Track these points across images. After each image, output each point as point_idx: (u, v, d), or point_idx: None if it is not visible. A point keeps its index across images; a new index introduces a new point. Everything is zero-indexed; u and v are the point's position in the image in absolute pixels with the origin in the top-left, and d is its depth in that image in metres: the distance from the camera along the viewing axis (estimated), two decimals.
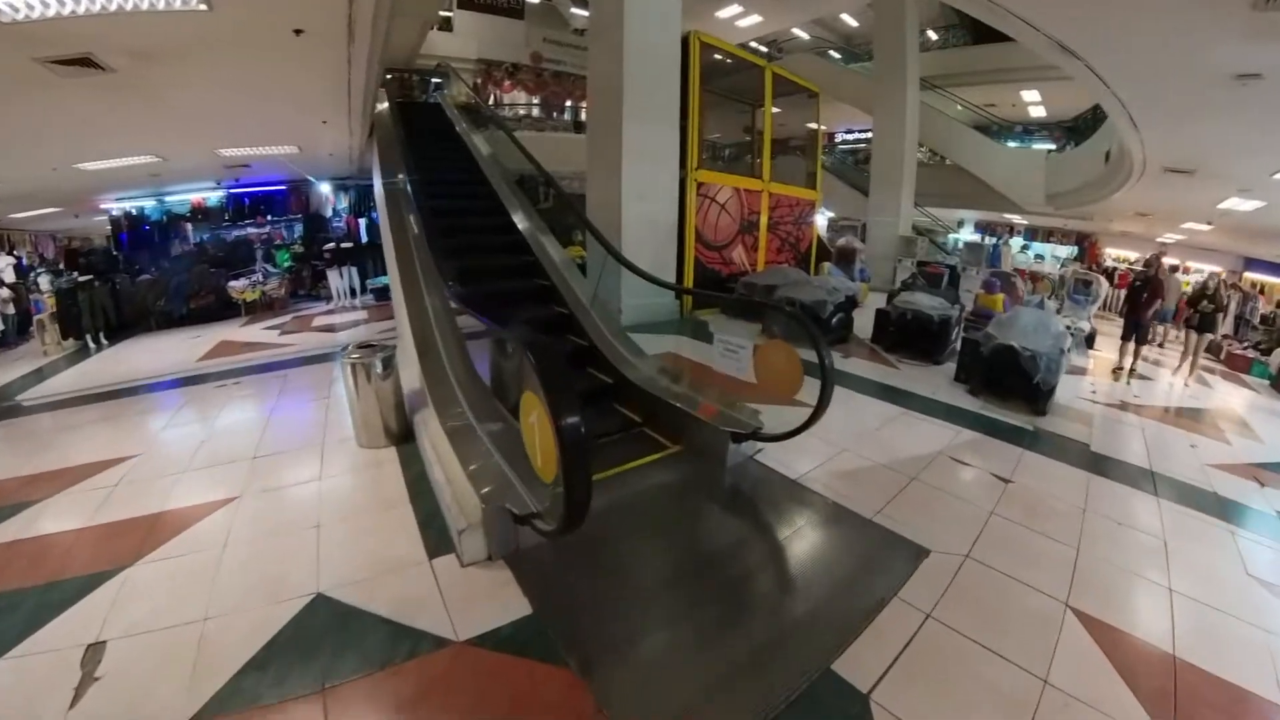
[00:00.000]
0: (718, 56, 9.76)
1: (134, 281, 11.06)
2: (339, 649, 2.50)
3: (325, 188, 14.63)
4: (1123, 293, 10.70)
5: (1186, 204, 12.02)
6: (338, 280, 12.24)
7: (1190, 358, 8.35)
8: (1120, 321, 8.71)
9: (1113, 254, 19.57)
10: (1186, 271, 16.08)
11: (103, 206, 12.82)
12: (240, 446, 4.67)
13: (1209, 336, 8.78)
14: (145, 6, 4.31)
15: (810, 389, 3.67)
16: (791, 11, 15.69)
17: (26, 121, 6.40)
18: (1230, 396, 8.07)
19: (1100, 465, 4.74)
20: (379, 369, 4.38)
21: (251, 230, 14.18)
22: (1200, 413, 6.92)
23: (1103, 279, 12.13)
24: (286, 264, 13.67)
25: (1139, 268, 13.93)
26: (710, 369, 4.64)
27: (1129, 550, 3.51)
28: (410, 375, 4.57)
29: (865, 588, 2.97)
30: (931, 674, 2.43)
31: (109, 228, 13.37)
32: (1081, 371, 7.99)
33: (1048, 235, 20.97)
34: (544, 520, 2.76)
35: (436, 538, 3.25)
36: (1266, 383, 9.07)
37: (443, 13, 15.12)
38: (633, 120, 7.71)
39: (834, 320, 8.04)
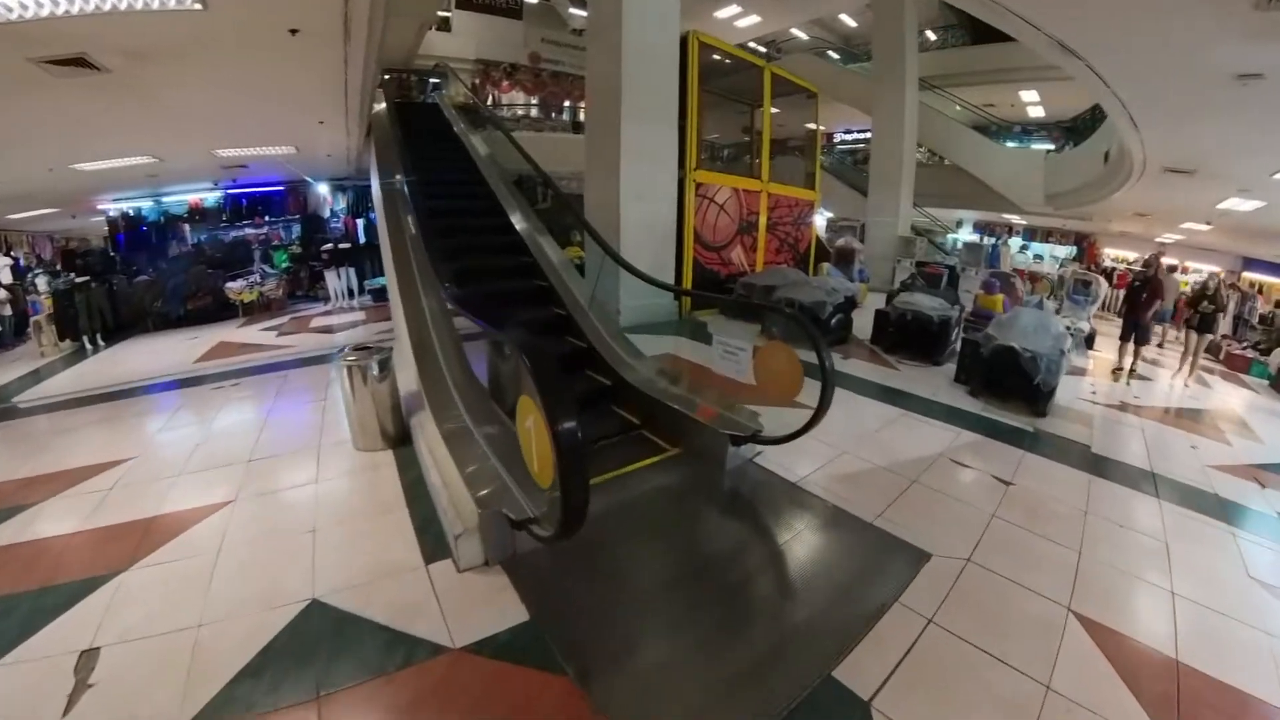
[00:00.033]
0: (716, 57, 9.73)
1: (131, 282, 11.00)
2: (334, 656, 2.47)
3: (323, 188, 14.58)
4: (1121, 293, 10.68)
5: (1186, 204, 12.00)
6: (335, 281, 12.20)
7: (1190, 358, 8.34)
8: (1119, 322, 8.70)
9: (1111, 254, 19.57)
10: (1185, 271, 16.08)
11: (100, 207, 12.75)
12: (236, 449, 4.64)
13: (1209, 337, 8.77)
14: (140, 6, 4.27)
15: (810, 391, 3.65)
16: (790, 12, 15.67)
17: (22, 122, 6.35)
18: (1230, 397, 8.06)
19: (1101, 467, 4.73)
20: (375, 371, 4.35)
21: (249, 231, 14.11)
22: (1200, 413, 6.91)
23: (1102, 279, 12.13)
24: (284, 265, 13.60)
25: (1138, 268, 13.93)
26: (709, 371, 4.61)
27: (1131, 553, 3.49)
28: (407, 377, 4.54)
29: (866, 593, 2.95)
30: (933, 681, 2.41)
31: (106, 228, 13.31)
32: (1081, 372, 7.98)
33: (1046, 235, 20.96)
34: (541, 526, 2.74)
35: (433, 542, 3.22)
36: (1266, 383, 9.06)
37: (441, 13, 15.08)
38: (631, 120, 7.69)
39: (833, 321, 8.02)
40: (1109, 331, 10.01)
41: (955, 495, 4.03)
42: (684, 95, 8.60)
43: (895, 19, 13.83)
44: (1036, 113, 18.69)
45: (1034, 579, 3.09)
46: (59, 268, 12.29)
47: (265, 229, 14.32)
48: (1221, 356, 10.28)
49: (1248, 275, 15.76)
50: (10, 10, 4.04)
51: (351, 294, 12.42)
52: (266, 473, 4.24)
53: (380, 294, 11.84)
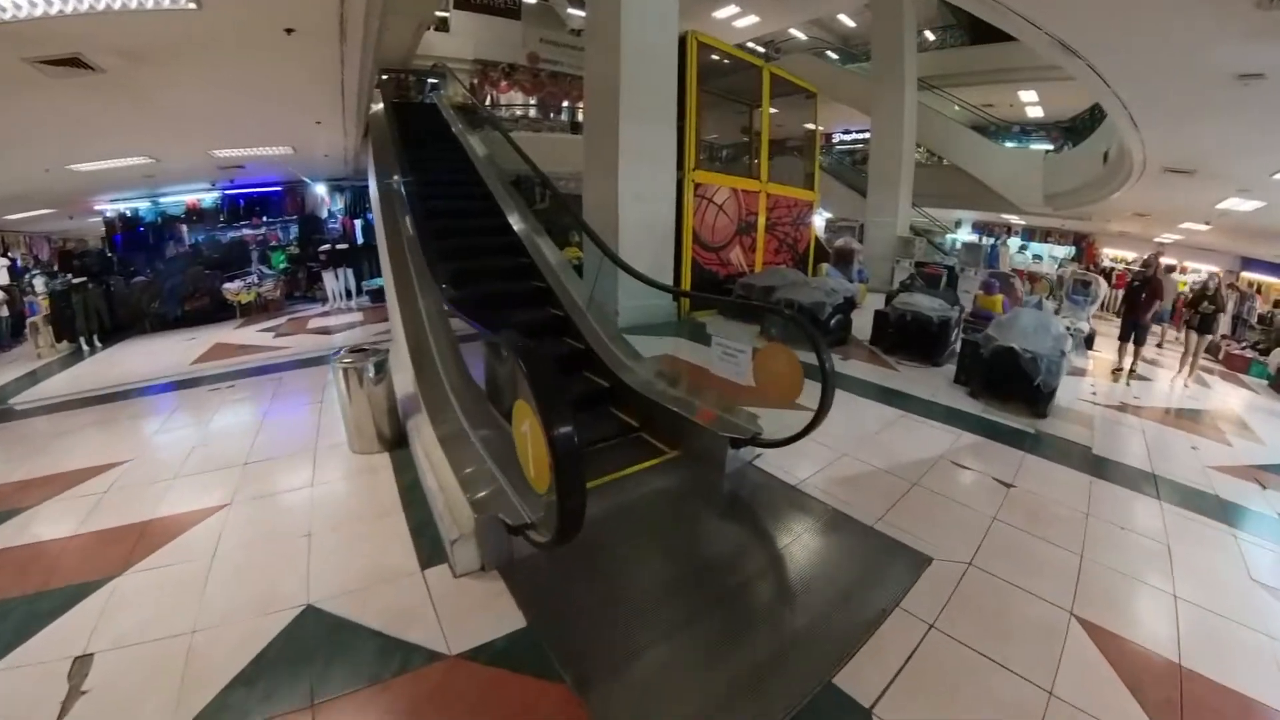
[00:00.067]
0: (715, 57, 9.71)
1: (128, 283, 10.97)
2: (329, 663, 2.44)
3: (321, 189, 14.56)
4: (1120, 293, 10.67)
5: (1185, 204, 11.99)
6: (333, 282, 12.18)
7: (1190, 359, 8.32)
8: (1118, 322, 8.69)
9: (1110, 254, 19.57)
10: (1184, 271, 16.09)
11: (97, 208, 12.71)
12: (232, 452, 4.62)
13: (1209, 338, 8.75)
14: (134, 5, 4.24)
15: (809, 392, 3.63)
16: (789, 12, 15.66)
17: (18, 122, 6.32)
18: (1229, 397, 8.05)
19: (1102, 468, 4.71)
20: (371, 373, 4.32)
21: (247, 231, 14.08)
22: (1200, 414, 6.90)
23: (1101, 279, 12.12)
24: (282, 265, 13.59)
25: (1136, 268, 13.93)
26: (708, 372, 4.59)
27: (1132, 556, 3.47)
28: (403, 379, 4.52)
29: (867, 598, 2.93)
30: (935, 687, 2.39)
31: (104, 229, 13.27)
32: (1081, 373, 7.96)
33: (1045, 235, 20.96)
34: (538, 531, 2.71)
35: (429, 547, 3.20)
36: (1265, 383, 9.05)
37: (439, 13, 15.05)
38: (630, 120, 7.67)
39: (832, 322, 8.00)
40: (1108, 332, 10.00)
41: (956, 498, 4.00)
42: (682, 95, 8.56)
43: (894, 19, 13.82)
44: (1035, 113, 18.69)
45: (1036, 583, 3.07)
46: (56, 268, 12.25)
47: (263, 230, 14.29)
48: (1221, 356, 10.27)
49: (1246, 275, 15.77)
50: (4, 10, 4.01)
51: (349, 295, 12.40)
52: (262, 476, 4.22)
53: (378, 295, 11.80)
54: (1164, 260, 11.25)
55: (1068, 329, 7.16)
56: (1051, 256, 20.27)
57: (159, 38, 4.93)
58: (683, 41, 8.56)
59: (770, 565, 3.29)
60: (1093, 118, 14.36)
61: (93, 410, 6.09)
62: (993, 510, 3.83)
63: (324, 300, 12.45)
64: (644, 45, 7.66)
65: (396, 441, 4.46)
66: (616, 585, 3.05)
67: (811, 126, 13.05)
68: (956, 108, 18.50)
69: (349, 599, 2.82)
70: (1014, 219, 20.21)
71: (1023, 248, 20.63)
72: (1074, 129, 16.60)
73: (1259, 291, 14.61)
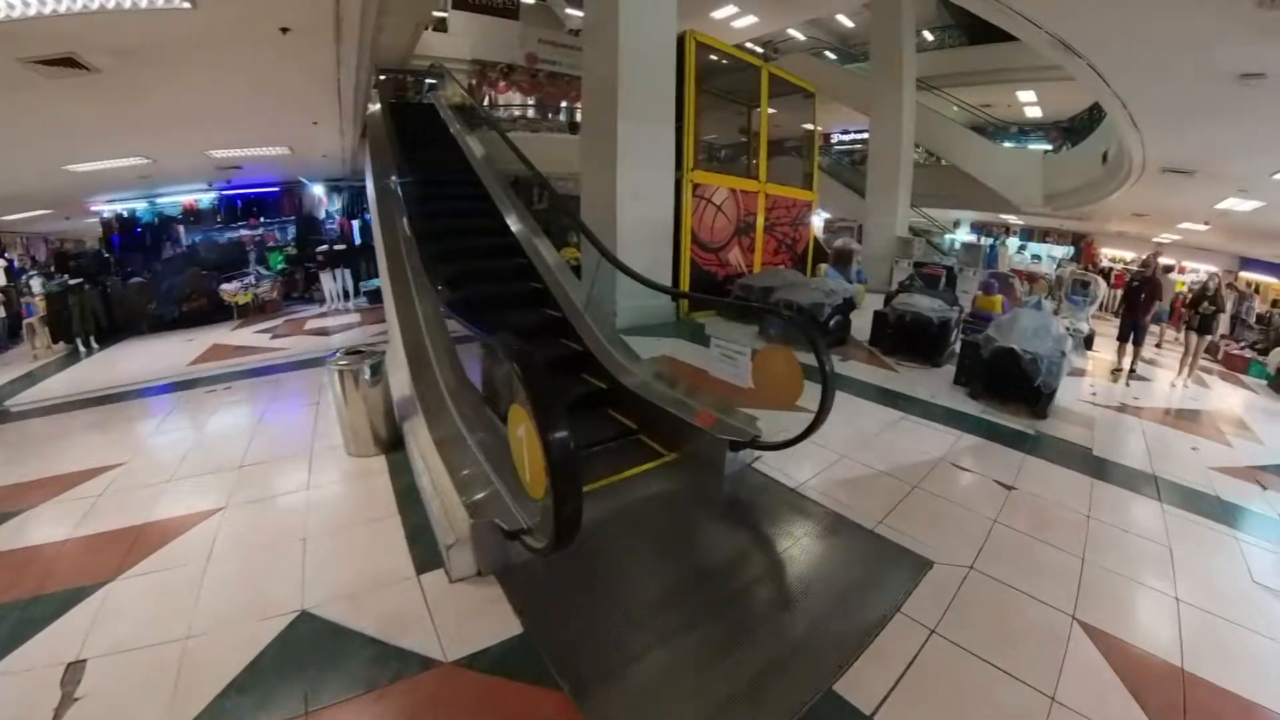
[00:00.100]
0: (714, 57, 9.70)
1: (125, 284, 10.94)
2: (323, 670, 2.42)
3: (318, 189, 14.53)
4: (1119, 293, 10.66)
5: (1184, 204, 12.00)
6: (331, 283, 12.15)
7: (1190, 360, 8.30)
8: (1116, 322, 8.68)
9: (1109, 254, 19.58)
10: (1182, 271, 16.10)
11: (94, 209, 12.67)
12: (228, 454, 4.59)
13: (1209, 338, 8.73)
14: (127, 5, 4.21)
15: (809, 394, 3.61)
16: (787, 12, 15.65)
17: (12, 123, 6.28)
18: (1229, 397, 8.03)
19: (1103, 470, 4.69)
20: (367, 375, 4.29)
21: (244, 232, 14.04)
22: (1200, 414, 6.88)
23: (1101, 280, 12.10)
24: (279, 266, 13.55)
25: (1135, 268, 13.92)
26: (707, 374, 4.56)
27: (1134, 559, 3.44)
28: (400, 381, 4.49)
29: (867, 603, 2.90)
30: (937, 694, 2.36)
31: (101, 230, 13.22)
32: (1080, 373, 7.94)
33: (1044, 235, 20.99)
34: (534, 537, 2.68)
35: (425, 552, 3.16)
36: (1264, 383, 9.04)
37: (437, 13, 15.02)
38: (628, 120, 7.64)
39: (832, 322, 7.97)
40: (1107, 332, 9.99)
41: (957, 500, 3.98)
42: (681, 95, 8.55)
43: (892, 19, 13.80)
44: (1034, 113, 18.71)
45: (1037, 587, 3.04)
46: (53, 269, 12.20)
47: (260, 230, 14.25)
48: (1220, 356, 10.26)
49: (1244, 275, 15.78)
50: None
51: (347, 295, 12.38)
52: (258, 479, 4.19)
53: (376, 295, 11.79)
54: (1162, 260, 11.23)
55: (1067, 329, 7.15)
56: (1050, 256, 20.28)
57: (153, 37, 4.90)
58: (681, 41, 8.54)
59: (770, 570, 3.26)
60: (1091, 118, 14.37)
61: (89, 412, 6.05)
62: (993, 513, 3.80)
63: (321, 301, 12.41)
64: (642, 45, 7.64)
65: (393, 444, 4.43)
66: (614, 590, 3.02)
67: (810, 126, 13.04)
68: (955, 108, 18.51)
69: (344, 604, 2.79)
70: (1013, 219, 20.22)
71: (1021, 248, 20.65)
72: (1073, 129, 16.61)
73: (1257, 291, 14.62)
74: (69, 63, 4.96)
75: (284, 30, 5.25)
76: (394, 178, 7.28)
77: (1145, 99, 7.32)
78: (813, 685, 2.36)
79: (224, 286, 11.68)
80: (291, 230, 14.53)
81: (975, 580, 3.08)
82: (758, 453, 4.17)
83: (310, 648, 2.54)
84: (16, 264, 12.88)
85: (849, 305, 8.69)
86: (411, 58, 13.56)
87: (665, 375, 4.91)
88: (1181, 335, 9.17)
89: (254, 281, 12.17)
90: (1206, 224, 13.24)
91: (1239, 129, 7.31)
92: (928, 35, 18.69)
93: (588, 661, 2.49)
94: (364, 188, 10.65)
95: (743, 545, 3.56)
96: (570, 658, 2.49)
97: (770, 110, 10.90)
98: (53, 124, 6.62)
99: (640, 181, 7.97)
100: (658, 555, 3.39)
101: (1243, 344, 11.03)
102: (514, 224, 7.20)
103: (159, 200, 13.12)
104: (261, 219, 14.27)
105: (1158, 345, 11.13)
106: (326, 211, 14.86)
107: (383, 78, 11.91)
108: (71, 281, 10.14)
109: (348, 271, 12.46)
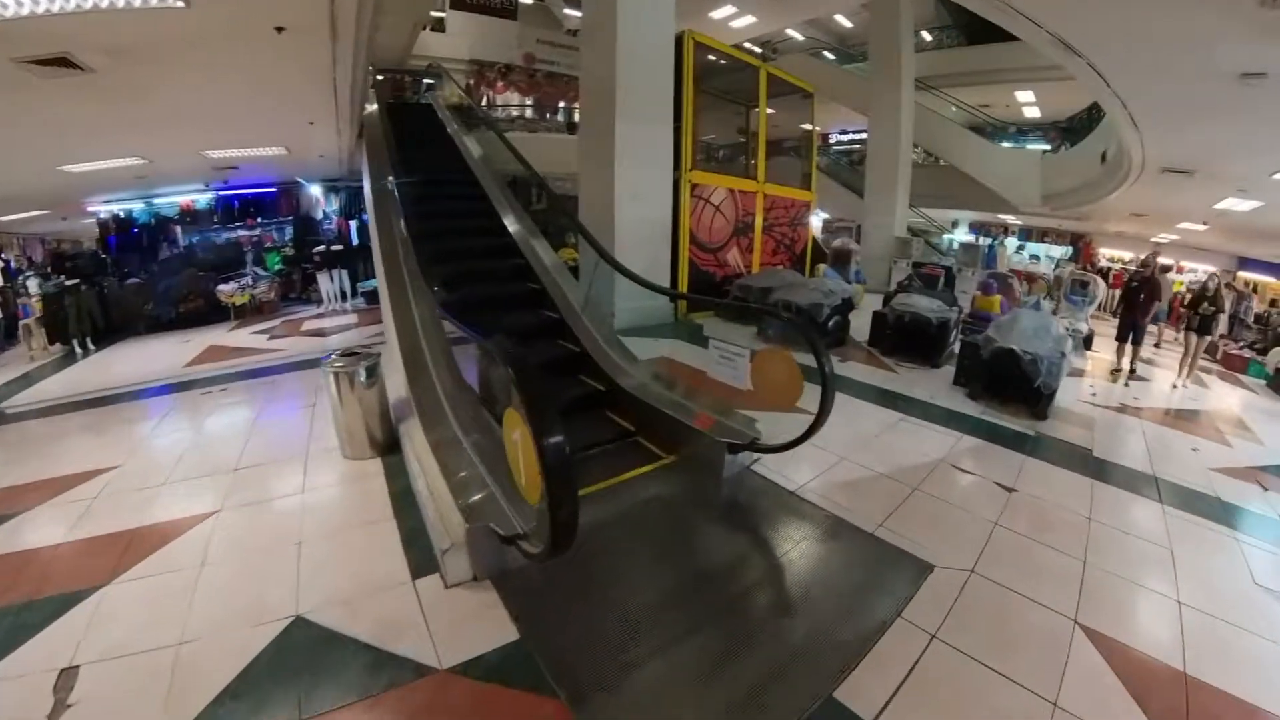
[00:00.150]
0: (712, 57, 9.68)
1: (122, 285, 10.90)
2: (317, 676, 2.39)
3: (315, 190, 14.49)
4: (1117, 293, 10.65)
5: (1183, 204, 12.00)
6: (328, 283, 12.12)
7: (1190, 360, 8.29)
8: (1115, 322, 8.66)
9: (1107, 254, 19.59)
10: (1180, 271, 16.10)
11: (90, 209, 12.64)
12: (223, 457, 4.56)
13: (1208, 339, 8.72)
14: (121, 4, 4.19)
15: (809, 396, 3.58)
16: (786, 12, 15.67)
17: (7, 123, 6.26)
18: (1228, 397, 8.02)
19: (1103, 471, 4.67)
20: (363, 377, 4.26)
21: (241, 233, 14.02)
22: (1200, 414, 6.87)
23: (1100, 280, 12.09)
24: (276, 267, 13.51)
25: (1134, 268, 13.92)
26: (706, 376, 4.53)
27: (1135, 561, 3.42)
28: (396, 383, 4.45)
29: (868, 608, 2.87)
30: (938, 700, 2.34)
31: (97, 231, 13.17)
32: (1080, 373, 7.93)
33: (1042, 235, 20.98)
34: (530, 542, 2.65)
35: (421, 556, 3.14)
36: (1263, 382, 9.03)
37: (435, 13, 14.99)
38: (626, 120, 7.62)
39: (830, 323, 7.95)
40: (1106, 332, 9.98)
41: (957, 503, 3.96)
42: (679, 95, 8.52)
43: (891, 19, 13.80)
44: (1032, 113, 18.72)
45: (1039, 590, 3.02)
46: (49, 270, 12.15)
47: (257, 231, 14.23)
48: (1219, 356, 10.25)
49: (1243, 275, 15.79)
50: None
51: (344, 296, 12.34)
52: (253, 482, 4.16)
53: (373, 296, 11.75)
54: (1160, 260, 11.23)
55: (1066, 330, 7.13)
56: (1049, 256, 20.27)
57: (147, 36, 4.89)
58: (679, 41, 8.52)
59: (769, 574, 3.24)
60: (1090, 118, 14.36)
61: (85, 414, 6.02)
62: (994, 515, 3.78)
63: (319, 302, 12.38)
64: (640, 45, 7.62)
65: (389, 446, 4.40)
66: (612, 595, 2.99)
67: (808, 127, 13.02)
68: (954, 108, 18.52)
69: (339, 610, 2.77)
70: (1011, 219, 20.22)
71: (1020, 248, 20.65)
72: (1072, 129, 16.60)
73: (1255, 291, 14.62)
74: (63, 63, 4.95)
75: (279, 29, 5.23)
76: (391, 178, 7.25)
77: (1145, 98, 7.31)
78: (812, 692, 2.34)
79: (221, 287, 11.62)
80: (289, 231, 14.50)
81: (976, 584, 3.06)
82: (757, 455, 4.14)
83: (304, 653, 2.52)
84: (13, 265, 12.85)
85: (848, 306, 8.66)
86: (409, 58, 13.52)
87: (663, 377, 4.88)
88: (1180, 335, 9.16)
89: (251, 282, 12.11)
90: (1205, 224, 13.24)
91: (1239, 129, 7.30)
92: (926, 35, 18.69)
93: (585, 668, 2.46)
94: (361, 188, 10.62)
95: (742, 549, 3.53)
96: (567, 664, 2.46)
97: (769, 110, 10.88)
98: (48, 124, 6.60)
99: (638, 182, 7.95)
100: (656, 559, 3.36)
101: (1241, 344, 11.03)
102: (511, 224, 7.17)
103: (156, 201, 13.10)
104: (259, 219, 14.24)
105: (1156, 345, 11.12)
106: (324, 212, 14.82)
107: (380, 78, 11.87)
108: (68, 282, 10.07)
109: (345, 272, 12.42)
